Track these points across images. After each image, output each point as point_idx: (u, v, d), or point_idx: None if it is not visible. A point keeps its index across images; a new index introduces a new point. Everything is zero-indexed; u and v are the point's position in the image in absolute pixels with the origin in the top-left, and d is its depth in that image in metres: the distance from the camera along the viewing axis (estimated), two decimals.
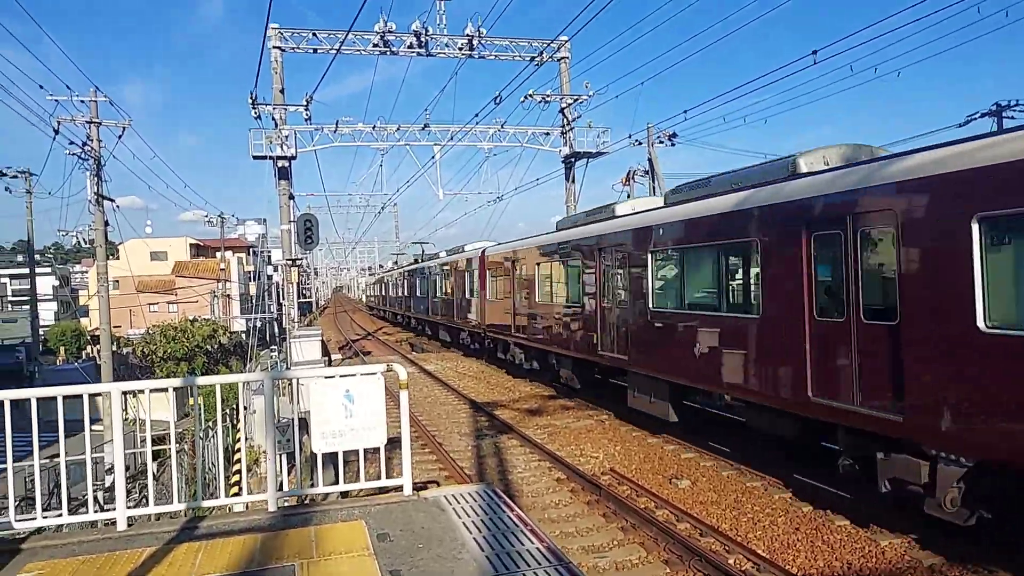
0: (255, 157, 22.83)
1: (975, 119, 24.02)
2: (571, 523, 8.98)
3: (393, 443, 6.94)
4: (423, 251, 45.37)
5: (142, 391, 5.63)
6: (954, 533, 7.45)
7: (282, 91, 22.98)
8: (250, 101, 21.82)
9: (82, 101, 23.22)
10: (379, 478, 6.15)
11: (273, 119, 22.61)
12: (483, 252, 23.93)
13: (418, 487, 6.14)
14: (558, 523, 8.97)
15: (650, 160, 25.13)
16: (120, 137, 23.78)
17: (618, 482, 10.52)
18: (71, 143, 22.53)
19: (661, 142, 24.34)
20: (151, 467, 5.65)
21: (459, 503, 5.70)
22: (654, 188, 25.65)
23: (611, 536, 8.48)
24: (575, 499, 9.96)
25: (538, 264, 18.40)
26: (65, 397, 5.26)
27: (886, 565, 7.21)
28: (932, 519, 7.25)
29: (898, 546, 7.60)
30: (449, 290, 29.84)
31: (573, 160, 26.21)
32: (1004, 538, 7.03)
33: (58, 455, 5.55)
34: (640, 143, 24.37)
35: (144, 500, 8.53)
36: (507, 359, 21.81)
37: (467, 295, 26.53)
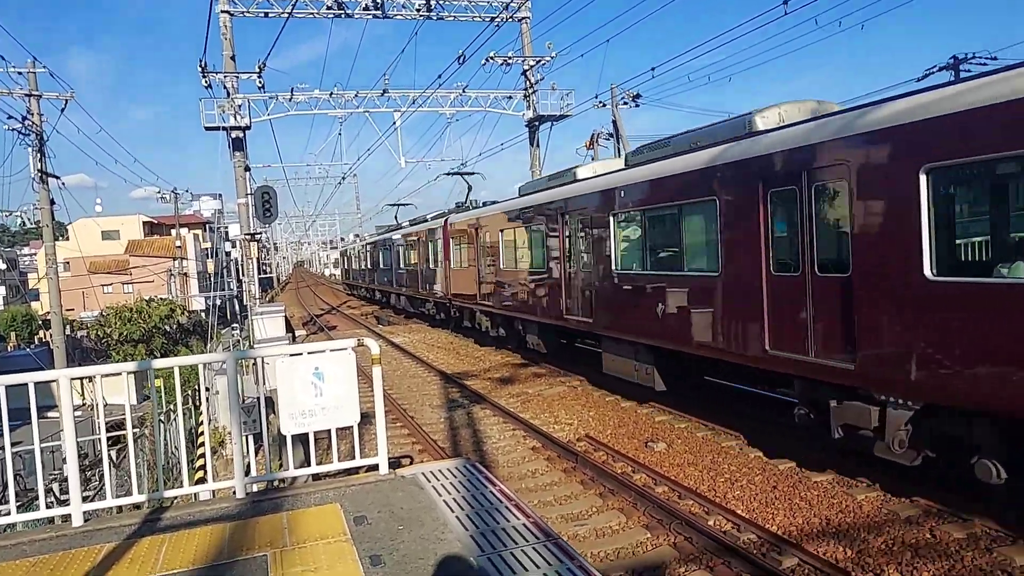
0: (207, 128, 21.99)
1: (933, 72, 24.27)
2: (549, 491, 8.88)
3: (364, 418, 6.69)
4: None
5: (94, 377, 5.27)
6: (927, 484, 7.53)
7: (233, 58, 22.03)
8: (200, 69, 20.92)
9: (19, 73, 22.05)
10: (352, 457, 5.91)
11: (225, 88, 21.72)
12: None
13: (393, 464, 5.91)
14: (536, 492, 8.85)
15: (614, 122, 24.84)
16: (63, 110, 22.67)
17: (594, 448, 10.45)
18: (10, 117, 21.44)
19: (625, 103, 24.04)
20: (107, 456, 5.32)
21: (438, 480, 5.50)
22: (619, 150, 25.42)
23: (590, 503, 8.39)
24: (552, 467, 9.86)
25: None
26: (10, 386, 4.88)
27: (864, 519, 7.24)
28: (905, 469, 7.33)
29: (875, 500, 7.65)
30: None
31: (537, 124, 25.81)
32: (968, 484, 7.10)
33: (15, 444, 5.18)
34: (604, 105, 24.04)
35: (104, 490, 8.15)
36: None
37: None
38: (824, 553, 6.55)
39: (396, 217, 39.27)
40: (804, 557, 6.43)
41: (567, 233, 14.10)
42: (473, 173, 27.38)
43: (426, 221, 27.54)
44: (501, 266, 18.19)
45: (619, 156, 25.26)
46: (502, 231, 18.03)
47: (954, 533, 6.69)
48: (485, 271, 19.36)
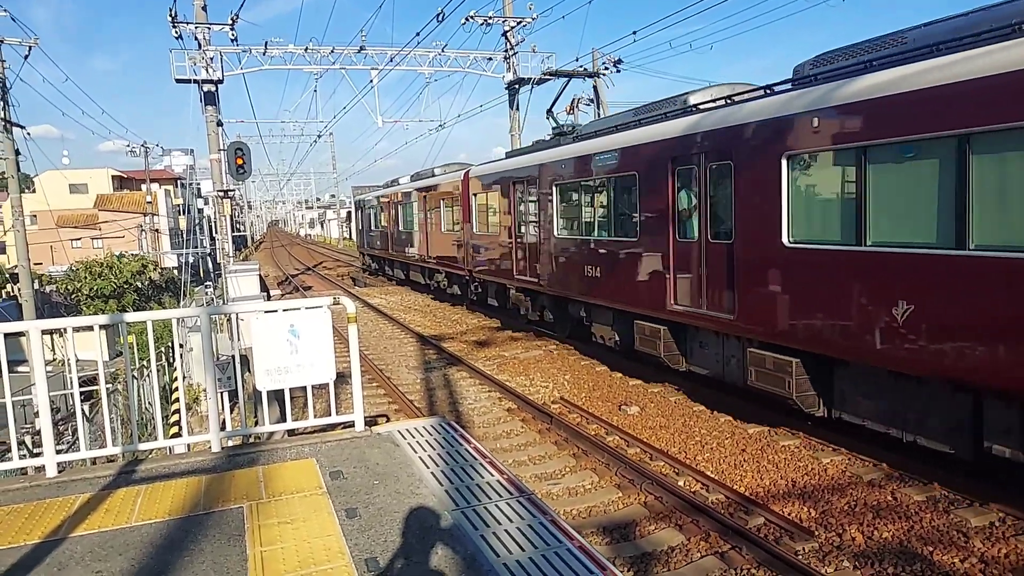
0: (178, 80, 21.38)
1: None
2: (524, 452, 9.01)
3: (341, 378, 6.70)
4: None
5: (65, 329, 5.20)
6: (891, 448, 7.76)
7: (204, 8, 21.35)
8: (169, 19, 20.25)
9: None
10: (328, 415, 5.92)
11: (196, 39, 21.09)
12: None
13: (369, 422, 5.94)
14: (511, 452, 8.98)
15: (595, 87, 24.64)
16: (26, 57, 21.90)
17: (568, 410, 10.59)
18: None
19: (607, 68, 23.82)
20: (80, 409, 5.28)
21: (413, 437, 5.54)
22: (599, 116, 25.27)
23: (564, 463, 8.53)
24: (527, 428, 9.98)
25: None
26: None
27: (828, 481, 7.47)
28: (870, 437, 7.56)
29: (839, 463, 7.87)
30: None
31: (517, 86, 25.48)
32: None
33: None
34: (585, 69, 23.79)
35: (77, 444, 8.10)
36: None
37: None
38: (789, 513, 6.75)
39: (551, 115, 15.93)
40: (770, 516, 6.62)
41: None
42: None
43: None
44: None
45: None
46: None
47: (914, 496, 6.92)
48: None
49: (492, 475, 4.70)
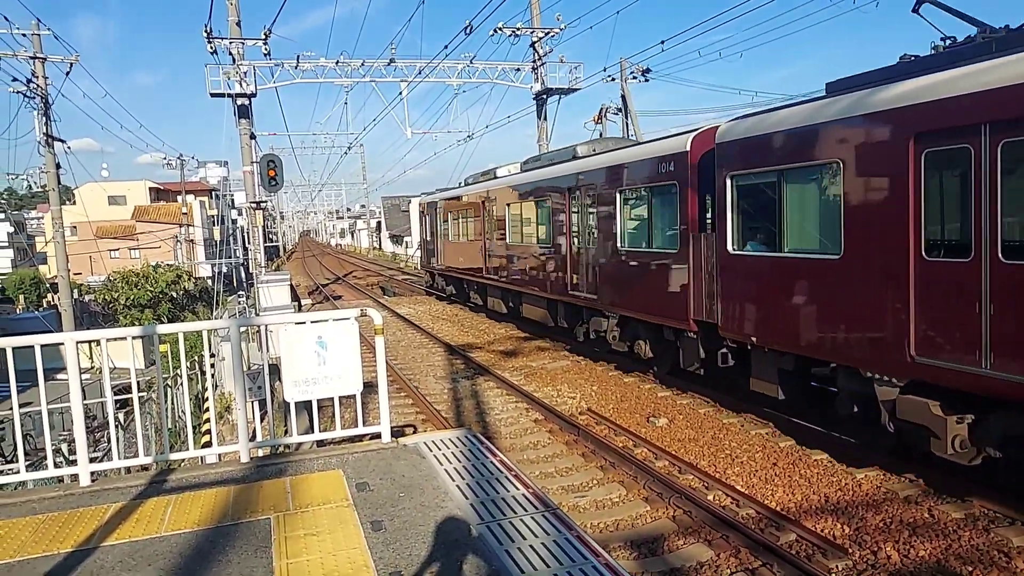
0: (213, 94, 21.87)
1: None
2: (551, 463, 8.95)
3: (368, 388, 6.75)
4: None
5: (100, 340, 5.31)
6: (927, 463, 7.56)
7: (238, 24, 21.81)
8: (204, 35, 20.72)
9: (23, 35, 21.96)
10: (355, 425, 5.96)
11: (230, 54, 21.54)
12: None
13: (396, 433, 5.97)
14: (538, 464, 8.93)
15: (623, 96, 24.59)
16: (68, 74, 22.67)
17: (596, 422, 10.51)
18: (14, 80, 21.38)
19: (635, 78, 23.76)
20: (112, 418, 5.38)
21: (440, 449, 5.54)
22: (627, 125, 25.20)
23: (591, 476, 8.46)
24: (554, 440, 9.93)
25: None
26: (18, 348, 4.93)
27: (863, 496, 7.29)
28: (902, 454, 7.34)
29: (874, 478, 7.69)
30: None
31: (545, 97, 25.55)
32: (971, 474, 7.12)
33: (25, 405, 5.25)
34: (613, 79, 23.78)
35: (111, 452, 8.26)
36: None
37: None
38: (822, 529, 6.60)
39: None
40: (802, 533, 6.48)
41: None
42: None
43: None
44: None
45: (626, 132, 25.04)
46: None
47: (952, 513, 6.73)
48: None
49: (518, 488, 4.68)
